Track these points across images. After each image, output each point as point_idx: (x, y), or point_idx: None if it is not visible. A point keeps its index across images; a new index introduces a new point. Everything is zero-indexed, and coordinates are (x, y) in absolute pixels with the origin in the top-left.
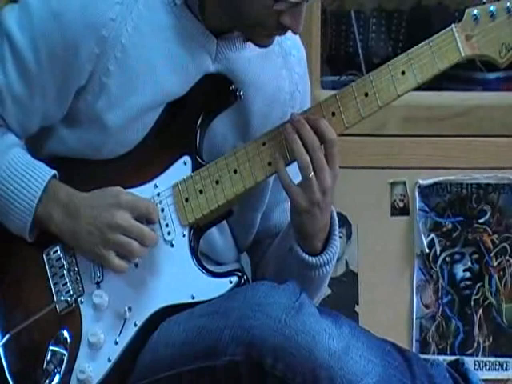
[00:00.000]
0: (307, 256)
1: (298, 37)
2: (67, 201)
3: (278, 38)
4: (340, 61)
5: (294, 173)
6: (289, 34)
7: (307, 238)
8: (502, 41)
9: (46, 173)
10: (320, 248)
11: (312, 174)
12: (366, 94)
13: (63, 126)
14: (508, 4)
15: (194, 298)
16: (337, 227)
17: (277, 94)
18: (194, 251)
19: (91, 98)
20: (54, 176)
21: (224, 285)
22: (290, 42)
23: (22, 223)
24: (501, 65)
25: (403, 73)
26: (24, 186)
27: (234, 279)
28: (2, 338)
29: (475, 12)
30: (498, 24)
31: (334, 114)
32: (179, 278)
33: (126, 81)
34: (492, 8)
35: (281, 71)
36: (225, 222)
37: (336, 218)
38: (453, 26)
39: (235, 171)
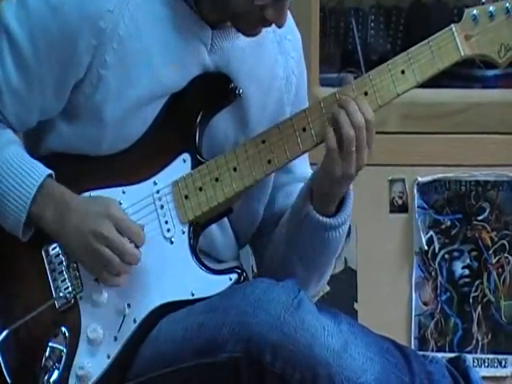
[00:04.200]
0: (324, 218)
1: (293, 21)
2: (60, 201)
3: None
4: (339, 58)
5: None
6: None
7: (327, 202)
8: (501, 41)
9: (42, 171)
10: (333, 211)
11: (354, 148)
12: (366, 93)
13: (62, 120)
14: (507, 4)
15: (193, 295)
16: (351, 192)
17: (272, 81)
18: (193, 248)
19: (89, 90)
20: (49, 175)
21: (223, 282)
22: (285, 27)
23: (16, 220)
24: (500, 65)
25: (403, 72)
26: (20, 183)
27: (234, 276)
28: (1, 334)
29: (474, 12)
30: (497, 24)
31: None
32: (179, 275)
33: (123, 72)
34: (491, 8)
35: (276, 57)
36: (225, 219)
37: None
38: (452, 25)
39: (235, 169)
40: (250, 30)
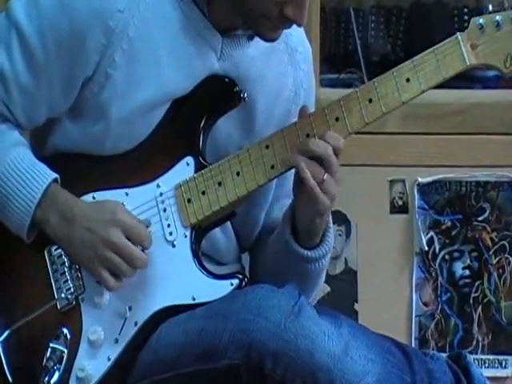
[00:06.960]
0: (302, 250)
1: (303, 33)
2: (65, 207)
3: (283, 36)
4: (339, 58)
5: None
6: (294, 30)
7: (313, 235)
8: (507, 51)
9: (48, 175)
10: (317, 242)
11: (326, 174)
12: (371, 100)
13: (67, 118)
14: None
15: (194, 299)
16: (331, 223)
17: (280, 91)
18: (195, 252)
19: (97, 88)
20: (55, 180)
21: (225, 287)
22: (296, 39)
23: (20, 223)
24: (506, 75)
25: (408, 80)
26: (24, 186)
27: (235, 281)
28: (2, 334)
29: (481, 21)
30: (503, 34)
31: (337, 119)
32: (180, 279)
33: (131, 74)
34: (498, 18)
35: (286, 68)
36: (228, 222)
37: (330, 214)
38: (458, 34)
39: (238, 173)
40: (271, 33)
